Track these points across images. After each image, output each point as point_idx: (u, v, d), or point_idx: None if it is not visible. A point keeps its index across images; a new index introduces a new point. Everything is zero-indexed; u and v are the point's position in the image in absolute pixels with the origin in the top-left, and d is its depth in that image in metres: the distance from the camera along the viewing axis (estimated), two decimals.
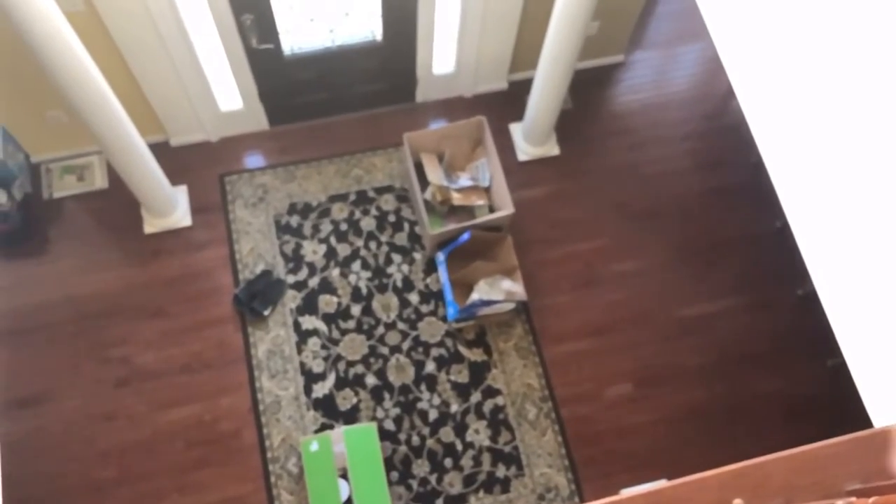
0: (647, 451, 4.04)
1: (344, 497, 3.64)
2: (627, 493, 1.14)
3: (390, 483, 3.80)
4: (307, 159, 4.63)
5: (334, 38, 4.21)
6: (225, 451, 3.92)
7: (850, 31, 1.60)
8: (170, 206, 4.33)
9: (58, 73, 3.12)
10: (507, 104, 4.81)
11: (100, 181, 4.50)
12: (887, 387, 2.29)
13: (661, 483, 1.26)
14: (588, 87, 4.91)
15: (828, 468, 1.15)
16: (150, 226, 4.38)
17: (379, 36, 4.26)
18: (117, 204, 4.39)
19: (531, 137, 4.62)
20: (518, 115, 4.69)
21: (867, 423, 1.64)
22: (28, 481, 3.78)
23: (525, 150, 4.68)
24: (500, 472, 3.95)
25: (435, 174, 4.30)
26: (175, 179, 4.35)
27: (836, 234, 2.53)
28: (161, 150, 4.27)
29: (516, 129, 4.74)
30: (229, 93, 4.37)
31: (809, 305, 4.20)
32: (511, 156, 4.67)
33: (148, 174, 3.99)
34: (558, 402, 4.11)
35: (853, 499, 0.90)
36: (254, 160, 4.64)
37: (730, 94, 4.83)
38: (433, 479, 3.91)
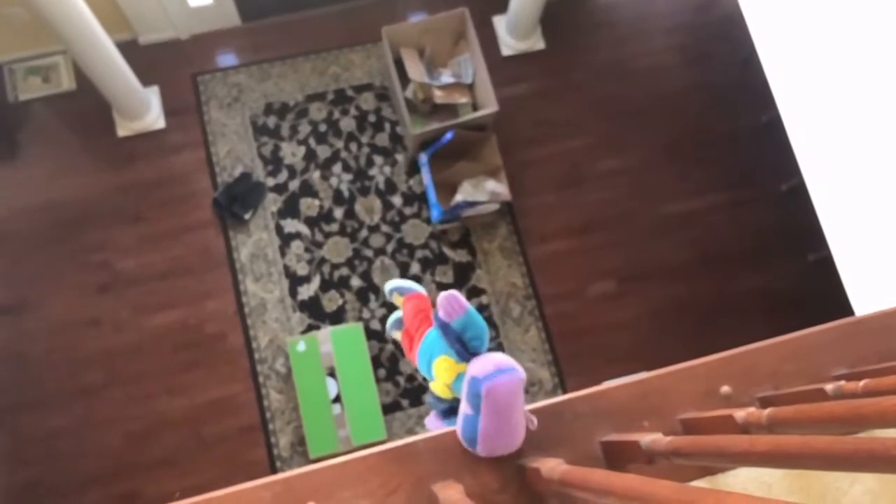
0: (630, 346, 4.12)
1: (332, 394, 3.71)
2: (609, 384, 1.15)
3: (378, 380, 3.87)
4: (282, 56, 4.45)
5: None
6: (212, 353, 3.95)
7: None
8: (142, 108, 4.18)
9: None
10: None
11: (67, 82, 4.31)
12: (869, 276, 2.31)
13: (644, 375, 1.27)
14: None
15: (814, 355, 1.15)
16: (123, 129, 4.24)
17: None
18: (87, 106, 4.23)
19: (516, 30, 4.45)
20: (502, 6, 4.50)
21: (847, 316, 1.66)
22: (15, 387, 3.82)
23: (509, 45, 4.53)
24: None
25: (416, 70, 4.16)
26: (146, 80, 4.18)
27: (826, 125, 2.49)
28: (129, 50, 4.08)
29: (500, 22, 4.56)
30: None
31: (793, 201, 4.20)
32: (494, 50, 4.51)
33: (117, 74, 3.82)
34: (542, 300, 4.16)
35: (843, 382, 0.89)
36: (227, 59, 4.46)
37: None
38: (420, 375, 3.99)
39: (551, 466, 0.88)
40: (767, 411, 0.82)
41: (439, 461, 1.01)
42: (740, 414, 0.89)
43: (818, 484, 1.02)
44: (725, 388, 1.08)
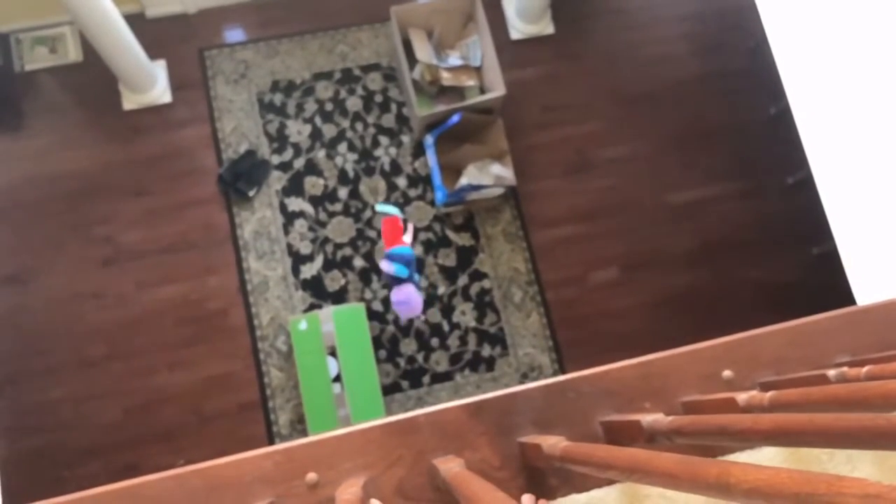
0: (631, 334, 4.12)
1: (333, 374, 3.72)
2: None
3: (378, 361, 3.89)
4: (290, 33, 4.43)
5: None
6: (213, 329, 3.96)
7: None
8: (148, 82, 4.16)
9: None
10: None
11: (73, 54, 4.30)
12: (873, 270, 2.30)
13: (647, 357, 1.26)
14: None
15: (818, 342, 1.15)
16: (129, 102, 4.23)
17: None
18: (94, 78, 4.21)
19: (525, 14, 4.42)
20: None
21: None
22: (16, 357, 3.83)
23: (518, 28, 4.50)
24: (486, 351, 4.04)
25: (424, 52, 4.14)
26: (153, 54, 4.17)
27: (836, 117, 2.47)
28: (136, 22, 4.06)
29: (510, 5, 4.53)
30: None
31: (798, 194, 4.19)
32: (503, 33, 4.49)
33: (123, 46, 3.81)
34: (544, 285, 4.16)
35: (846, 368, 0.89)
36: (234, 34, 4.44)
37: None
38: (420, 357, 4.00)
39: (552, 443, 0.88)
40: (770, 394, 0.82)
41: (440, 436, 1.01)
42: (742, 397, 0.89)
43: (817, 469, 1.03)
44: (727, 373, 1.08)
